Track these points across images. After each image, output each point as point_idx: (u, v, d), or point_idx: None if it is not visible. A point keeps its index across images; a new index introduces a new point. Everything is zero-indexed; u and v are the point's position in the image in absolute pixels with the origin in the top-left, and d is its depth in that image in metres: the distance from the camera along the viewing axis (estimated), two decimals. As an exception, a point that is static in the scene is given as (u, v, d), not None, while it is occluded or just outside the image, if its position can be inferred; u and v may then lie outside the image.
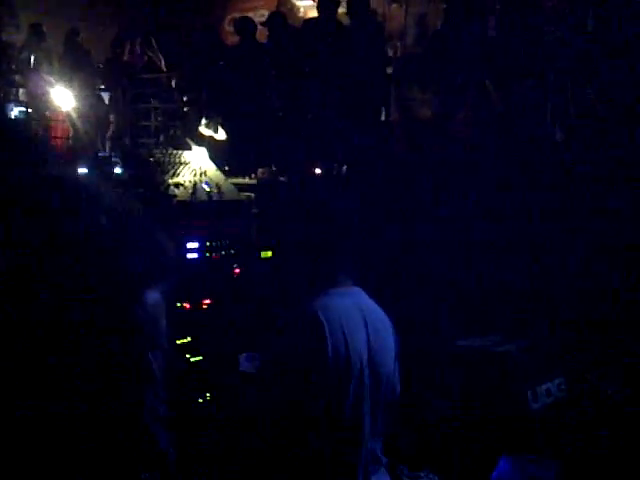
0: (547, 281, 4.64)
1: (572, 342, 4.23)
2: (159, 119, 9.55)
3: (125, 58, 10.15)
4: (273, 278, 4.46)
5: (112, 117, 9.85)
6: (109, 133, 9.93)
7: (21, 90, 9.53)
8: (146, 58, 10.13)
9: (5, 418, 1.29)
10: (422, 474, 3.46)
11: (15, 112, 9.51)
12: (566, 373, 4.03)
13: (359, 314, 2.50)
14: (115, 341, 1.63)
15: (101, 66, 10.01)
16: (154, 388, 2.06)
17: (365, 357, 2.45)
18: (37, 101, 9.32)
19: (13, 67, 9.46)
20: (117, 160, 7.39)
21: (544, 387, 3.88)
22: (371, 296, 2.60)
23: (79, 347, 1.42)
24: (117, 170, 7.34)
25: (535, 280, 4.64)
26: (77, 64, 9.53)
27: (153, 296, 2.05)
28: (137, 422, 1.70)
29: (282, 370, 2.38)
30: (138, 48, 10.28)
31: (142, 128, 9.72)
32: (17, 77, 9.55)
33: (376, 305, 2.60)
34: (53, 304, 1.34)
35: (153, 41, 10.20)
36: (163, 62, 10.17)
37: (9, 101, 9.41)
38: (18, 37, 9.88)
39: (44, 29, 9.89)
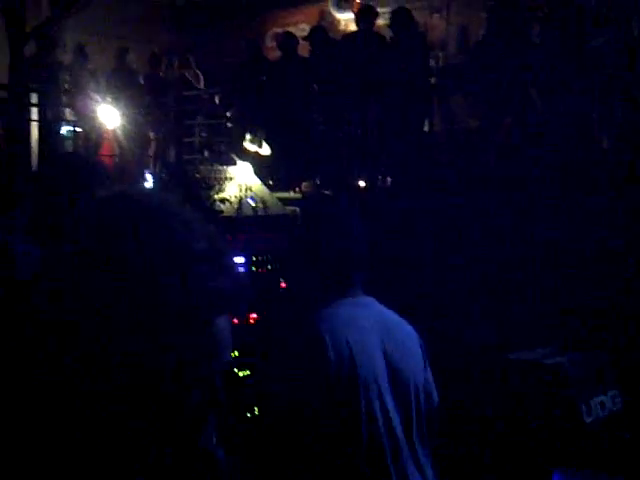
0: (599, 293, 4.55)
1: (625, 354, 4.15)
2: (203, 135, 9.64)
3: (162, 74, 10.26)
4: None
5: (152, 135, 9.96)
6: (151, 151, 10.06)
7: (68, 110, 9.71)
8: (184, 75, 10.24)
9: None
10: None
11: (63, 131, 9.70)
12: (620, 385, 3.94)
13: (372, 325, 2.40)
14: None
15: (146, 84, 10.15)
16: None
17: (381, 368, 2.34)
18: (85, 120, 9.48)
19: (62, 87, 9.63)
20: (148, 176, 7.49)
21: (598, 400, 3.80)
22: (405, 310, 2.55)
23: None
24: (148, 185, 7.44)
25: (587, 292, 4.56)
26: (124, 83, 9.68)
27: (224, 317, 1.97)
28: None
29: (283, 386, 2.31)
30: (176, 65, 10.41)
31: (186, 145, 9.83)
32: (64, 97, 9.74)
33: (392, 314, 2.54)
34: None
35: (191, 58, 10.31)
36: (202, 79, 10.28)
37: (59, 120, 9.59)
38: (65, 57, 10.05)
39: (86, 50, 10.08)
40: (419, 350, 2.52)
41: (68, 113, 9.72)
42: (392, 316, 2.53)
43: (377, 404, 2.33)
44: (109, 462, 1.28)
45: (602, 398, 3.82)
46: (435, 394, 2.55)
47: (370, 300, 2.51)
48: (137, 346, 1.25)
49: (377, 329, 2.42)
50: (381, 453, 2.33)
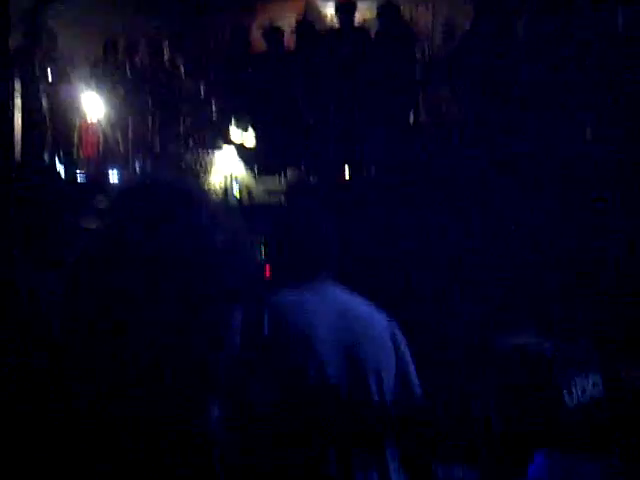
0: (581, 277, 4.59)
1: (608, 339, 4.18)
2: (187, 124, 9.59)
3: (147, 63, 10.17)
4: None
5: (136, 124, 9.87)
6: (136, 140, 9.98)
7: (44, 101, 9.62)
8: (167, 63, 10.14)
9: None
10: (456, 470, 3.44)
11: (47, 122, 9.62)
12: (602, 371, 3.97)
13: (329, 314, 2.40)
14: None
15: (130, 72, 10.08)
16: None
17: (330, 359, 2.34)
18: (65, 109, 9.41)
19: (46, 77, 9.56)
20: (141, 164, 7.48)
21: (580, 385, 3.83)
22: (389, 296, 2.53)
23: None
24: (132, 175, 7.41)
25: (569, 276, 4.60)
26: (109, 72, 9.62)
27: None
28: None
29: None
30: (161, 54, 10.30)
31: (170, 133, 9.78)
32: (49, 87, 9.66)
33: (360, 303, 2.51)
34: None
35: (171, 47, 10.21)
36: (183, 67, 10.17)
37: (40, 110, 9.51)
38: (49, 46, 9.96)
39: (71, 39, 9.97)
40: (388, 343, 2.48)
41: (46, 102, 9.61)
42: (358, 307, 2.48)
43: (330, 397, 2.32)
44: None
45: (584, 383, 3.85)
46: (415, 385, 2.53)
47: (332, 289, 2.48)
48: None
49: (334, 320, 2.40)
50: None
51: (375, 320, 2.49)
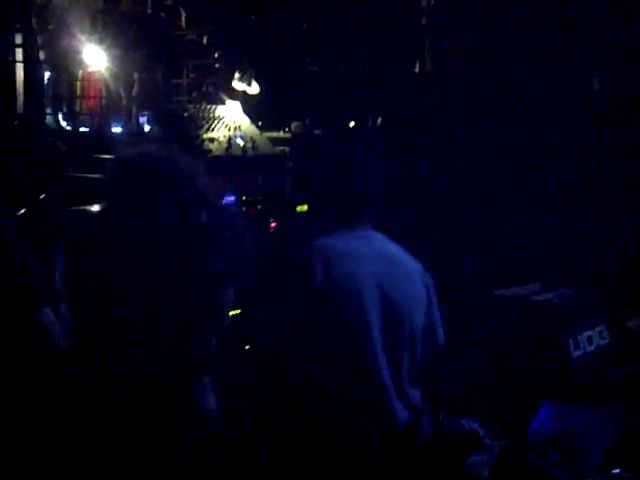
0: (586, 229, 4.58)
1: (613, 289, 4.19)
2: (191, 76, 9.48)
3: (149, 12, 9.99)
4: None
5: (136, 75, 9.75)
6: (135, 91, 9.86)
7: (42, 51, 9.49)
8: (164, 12, 9.96)
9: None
10: (463, 421, 3.47)
11: (47, 75, 9.52)
12: (608, 321, 3.99)
13: (366, 258, 2.41)
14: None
15: (134, 25, 9.93)
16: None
17: (372, 303, 2.35)
18: (68, 61, 9.29)
19: (45, 27, 9.43)
20: (145, 117, 7.41)
21: (585, 335, 3.85)
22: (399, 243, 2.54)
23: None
24: (146, 128, 7.35)
25: (575, 229, 4.59)
26: (110, 22, 9.48)
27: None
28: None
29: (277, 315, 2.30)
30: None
31: (174, 86, 9.68)
32: (39, 37, 9.50)
33: (398, 250, 2.54)
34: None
35: None
36: (184, 16, 10.00)
37: (40, 62, 9.40)
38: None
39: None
40: (423, 289, 2.52)
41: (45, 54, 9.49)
42: (397, 253, 2.52)
43: (364, 338, 2.33)
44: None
45: (589, 333, 3.87)
46: (441, 335, 2.57)
47: (376, 235, 2.51)
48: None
49: (376, 264, 2.42)
50: (366, 388, 2.34)
51: (413, 269, 2.53)
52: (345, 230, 2.45)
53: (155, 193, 1.36)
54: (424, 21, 7.63)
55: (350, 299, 2.32)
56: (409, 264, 2.55)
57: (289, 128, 6.27)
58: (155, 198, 1.35)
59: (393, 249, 2.54)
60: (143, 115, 7.35)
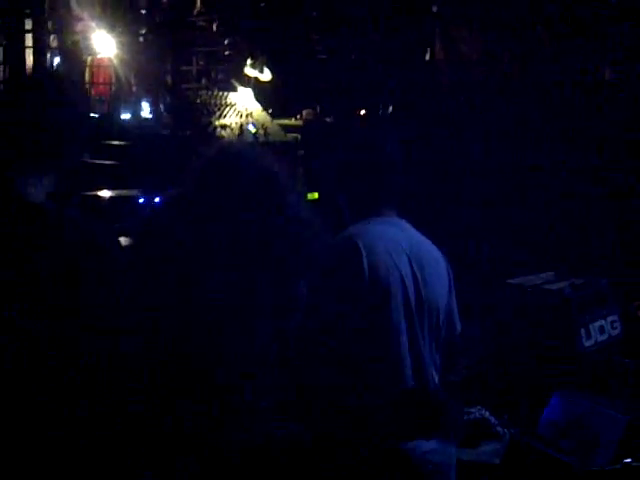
0: (600, 219, 4.57)
1: (625, 279, 4.18)
2: (201, 63, 9.47)
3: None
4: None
5: (145, 62, 9.74)
6: (147, 79, 9.86)
7: (52, 37, 9.49)
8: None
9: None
10: (474, 410, 3.48)
11: (57, 61, 9.53)
12: (619, 310, 3.98)
13: (402, 244, 2.43)
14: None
15: (144, 12, 9.92)
16: None
17: (410, 288, 2.38)
18: (77, 47, 9.29)
19: (56, 14, 9.43)
20: (145, 103, 7.39)
21: (597, 324, 3.84)
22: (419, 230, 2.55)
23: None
24: (145, 114, 7.33)
25: (588, 218, 4.57)
26: (120, 8, 9.46)
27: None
28: None
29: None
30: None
31: (184, 73, 9.67)
32: (50, 23, 9.50)
33: (424, 237, 2.55)
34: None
35: None
36: (199, 2, 9.99)
37: (50, 49, 9.40)
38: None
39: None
40: (446, 276, 2.54)
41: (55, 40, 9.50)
42: (423, 240, 2.54)
43: (404, 323, 2.36)
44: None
45: (601, 323, 3.86)
46: (458, 321, 2.59)
47: (402, 222, 2.52)
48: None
49: (408, 250, 2.44)
50: (404, 368, 2.36)
51: (438, 256, 2.54)
52: (375, 217, 2.47)
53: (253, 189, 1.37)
54: (435, 9, 7.59)
55: (394, 285, 2.34)
56: (435, 252, 2.56)
57: (300, 115, 6.26)
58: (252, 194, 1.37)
59: (420, 237, 2.56)
60: (153, 102, 7.34)
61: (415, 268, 2.41)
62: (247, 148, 1.53)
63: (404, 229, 2.51)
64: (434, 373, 2.46)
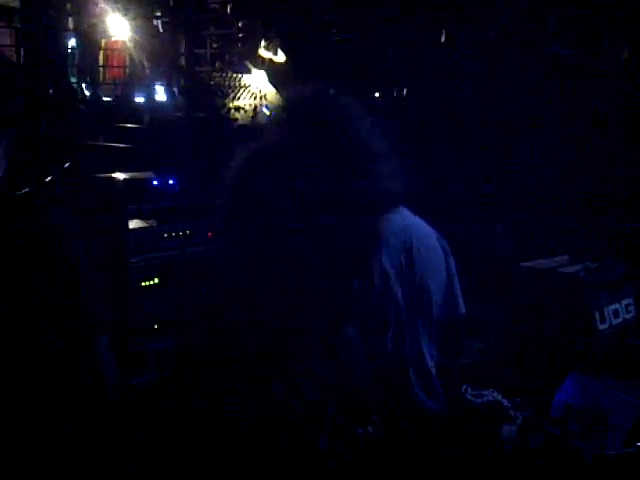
0: (616, 202, 4.54)
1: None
2: (214, 46, 9.45)
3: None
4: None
5: (156, 45, 9.71)
6: (162, 62, 9.84)
7: (70, 19, 9.48)
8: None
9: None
10: (486, 392, 3.47)
11: (72, 43, 9.53)
12: (635, 294, 3.96)
13: (412, 232, 2.46)
14: None
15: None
16: None
17: (405, 272, 2.41)
18: (92, 30, 9.29)
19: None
20: (159, 85, 7.38)
21: (612, 308, 3.83)
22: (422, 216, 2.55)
23: None
24: (159, 97, 7.32)
25: (603, 201, 4.54)
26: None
27: None
28: None
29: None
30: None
31: (197, 55, 9.65)
32: (68, 5, 9.49)
33: (426, 224, 2.55)
34: None
35: None
36: None
37: (65, 31, 9.39)
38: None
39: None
40: (443, 262, 2.54)
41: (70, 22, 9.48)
42: (424, 226, 2.54)
43: (398, 305, 2.37)
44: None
45: (616, 306, 3.85)
46: (461, 304, 2.59)
47: (406, 210, 2.52)
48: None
49: (414, 237, 2.45)
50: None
51: (436, 243, 2.55)
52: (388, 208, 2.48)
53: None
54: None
55: (390, 278, 2.37)
56: (433, 239, 2.56)
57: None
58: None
59: (421, 224, 2.56)
60: (167, 85, 7.34)
61: (414, 254, 2.42)
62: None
63: (409, 218, 2.52)
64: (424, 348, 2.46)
